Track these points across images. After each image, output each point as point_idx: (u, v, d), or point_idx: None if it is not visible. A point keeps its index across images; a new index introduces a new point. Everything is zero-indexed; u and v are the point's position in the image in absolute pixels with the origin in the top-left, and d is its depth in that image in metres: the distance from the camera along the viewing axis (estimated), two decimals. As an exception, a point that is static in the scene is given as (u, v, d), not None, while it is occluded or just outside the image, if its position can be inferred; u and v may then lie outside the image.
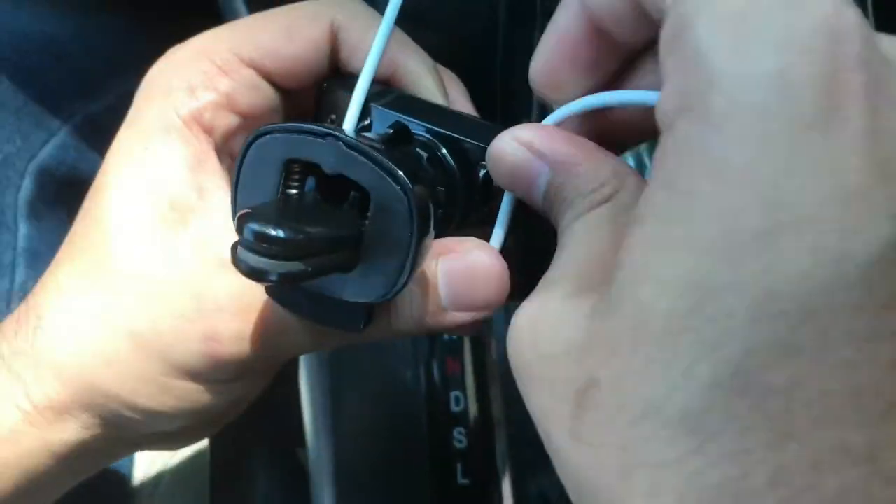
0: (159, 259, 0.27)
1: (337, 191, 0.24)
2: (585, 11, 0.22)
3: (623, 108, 0.24)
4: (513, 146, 0.23)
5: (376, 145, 0.23)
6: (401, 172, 0.22)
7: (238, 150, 0.27)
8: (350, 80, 0.28)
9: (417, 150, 0.27)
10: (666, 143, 0.18)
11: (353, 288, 0.24)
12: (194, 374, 0.27)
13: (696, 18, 0.18)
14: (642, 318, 0.18)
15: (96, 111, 0.48)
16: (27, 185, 0.41)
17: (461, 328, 0.27)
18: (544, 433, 0.20)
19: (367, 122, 0.28)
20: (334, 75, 0.30)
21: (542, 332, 0.21)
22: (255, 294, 0.27)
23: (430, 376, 0.42)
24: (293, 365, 0.42)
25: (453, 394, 0.41)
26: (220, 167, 0.29)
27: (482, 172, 0.27)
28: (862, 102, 0.17)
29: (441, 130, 0.27)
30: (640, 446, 0.17)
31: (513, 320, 0.22)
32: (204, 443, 0.52)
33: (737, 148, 0.16)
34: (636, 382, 0.18)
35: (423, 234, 0.23)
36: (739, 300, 0.16)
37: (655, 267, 0.18)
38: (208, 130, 0.29)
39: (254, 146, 0.24)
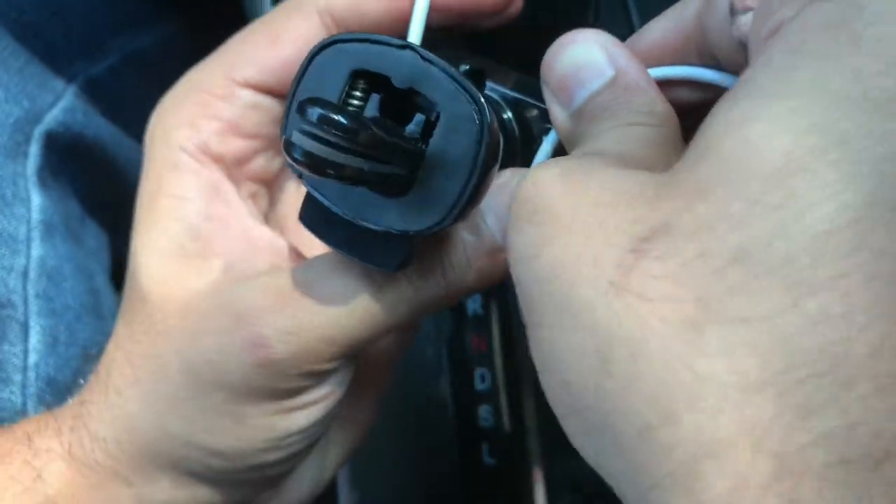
0: (188, 289, 0.27)
1: (402, 113, 0.22)
2: (698, 25, 0.22)
3: (704, 85, 0.23)
4: (588, 38, 0.22)
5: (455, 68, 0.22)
6: (477, 92, 0.21)
7: (259, 171, 0.28)
8: None
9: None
10: (786, 28, 0.17)
11: (399, 216, 0.22)
12: (257, 393, 0.26)
13: None
14: (749, 157, 0.16)
15: (99, 72, 0.46)
16: (34, 153, 0.39)
17: None
18: (566, 286, 0.17)
19: None
20: None
21: (586, 182, 0.18)
22: (290, 286, 0.25)
23: (454, 354, 0.41)
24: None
25: (479, 371, 0.40)
26: (237, 193, 0.29)
27: (544, 144, 0.25)
28: None
29: (511, 93, 0.26)
30: (720, 298, 0.15)
31: (526, 178, 0.20)
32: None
33: (882, 20, 0.16)
34: (731, 226, 0.16)
35: (488, 161, 0.21)
36: (869, 150, 0.15)
37: (771, 108, 0.16)
38: (218, 159, 0.28)
39: (319, 56, 0.22)
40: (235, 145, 0.28)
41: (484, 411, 0.40)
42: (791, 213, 0.15)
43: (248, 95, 0.28)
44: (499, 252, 0.25)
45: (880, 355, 0.15)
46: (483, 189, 0.22)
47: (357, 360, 0.28)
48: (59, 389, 0.36)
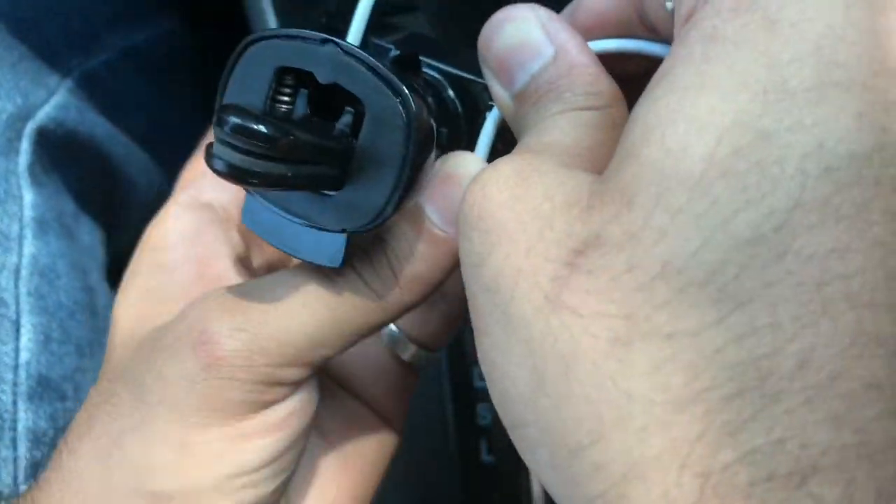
0: (153, 327, 0.25)
1: (330, 108, 0.21)
2: None
3: (644, 56, 0.22)
4: (526, 15, 0.21)
5: (379, 59, 0.21)
6: (400, 84, 0.20)
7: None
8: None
9: (425, 86, 0.25)
10: (701, 12, 0.17)
11: (336, 213, 0.22)
12: (205, 409, 0.23)
13: None
14: (671, 163, 0.15)
15: (95, 67, 0.45)
16: (25, 149, 0.38)
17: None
18: (506, 298, 0.17)
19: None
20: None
21: (530, 188, 0.18)
22: (241, 291, 0.24)
23: (453, 351, 0.40)
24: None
25: (477, 369, 0.39)
26: (222, 237, 0.28)
27: (487, 116, 0.24)
28: None
29: (450, 69, 0.25)
30: (647, 314, 0.15)
31: (474, 181, 0.19)
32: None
33: (795, 4, 0.16)
34: (656, 238, 0.15)
35: (419, 154, 0.21)
36: (791, 148, 0.15)
37: (691, 107, 0.16)
38: (208, 207, 0.28)
39: (245, 54, 0.22)
40: (227, 196, 0.28)
41: (483, 409, 0.39)
42: (715, 222, 0.15)
43: None
44: (444, 242, 0.23)
45: (808, 366, 0.14)
46: (417, 182, 0.21)
47: (316, 390, 0.25)
48: (50, 387, 0.36)
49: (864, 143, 0.15)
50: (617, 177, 0.16)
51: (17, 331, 0.35)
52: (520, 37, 0.21)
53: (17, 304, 0.35)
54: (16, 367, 0.35)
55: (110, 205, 0.45)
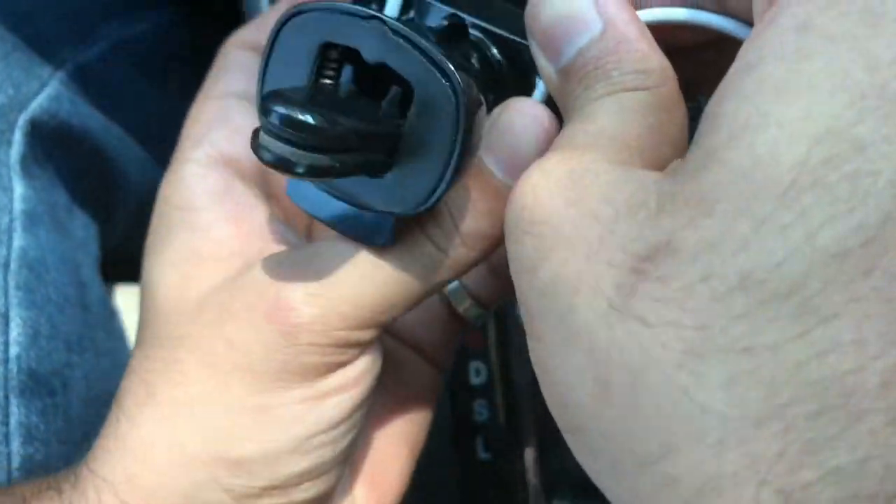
0: (206, 287, 0.25)
1: (376, 84, 0.21)
2: None
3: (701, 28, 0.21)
4: None
5: (426, 35, 0.21)
6: (451, 66, 0.20)
7: None
8: None
9: (469, 50, 0.24)
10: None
11: (384, 196, 0.21)
12: (283, 373, 0.24)
13: None
14: (758, 171, 0.15)
15: (89, 59, 0.45)
16: (18, 140, 0.38)
17: None
18: (565, 305, 0.17)
19: (410, 15, 0.25)
20: None
21: (586, 191, 0.17)
22: (310, 254, 0.24)
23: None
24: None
25: (473, 365, 0.39)
26: (250, 192, 0.28)
27: (539, 81, 0.23)
28: None
29: (496, 30, 0.24)
30: (724, 326, 0.15)
31: (523, 181, 0.19)
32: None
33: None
34: (737, 248, 0.15)
35: (469, 138, 0.20)
36: (887, 159, 0.14)
37: (782, 112, 0.15)
38: (229, 161, 0.27)
39: (286, 27, 0.21)
40: (241, 145, 0.28)
41: (479, 406, 0.39)
42: (801, 234, 0.14)
43: (243, 104, 0.28)
44: (507, 194, 0.23)
45: (892, 384, 0.14)
46: (467, 163, 0.21)
47: (382, 346, 0.26)
48: (40, 383, 0.35)
49: None
50: (696, 180, 0.16)
51: (7, 325, 0.34)
52: (568, 8, 0.20)
53: (6, 297, 0.35)
54: (6, 362, 0.34)
55: (104, 198, 0.45)
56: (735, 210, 0.15)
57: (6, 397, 0.34)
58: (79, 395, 0.37)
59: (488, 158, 0.23)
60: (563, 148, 0.19)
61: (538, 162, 0.19)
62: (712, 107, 0.16)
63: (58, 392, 0.36)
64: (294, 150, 0.18)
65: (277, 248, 0.26)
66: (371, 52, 0.20)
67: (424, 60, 0.20)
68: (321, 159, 0.19)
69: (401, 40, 0.20)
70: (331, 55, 0.21)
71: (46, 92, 0.40)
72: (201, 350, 0.24)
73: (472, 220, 0.23)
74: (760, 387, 0.14)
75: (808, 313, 0.14)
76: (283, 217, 0.29)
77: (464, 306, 0.29)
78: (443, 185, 0.20)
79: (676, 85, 0.20)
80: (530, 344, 0.18)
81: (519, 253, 0.18)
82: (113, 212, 0.46)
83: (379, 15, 0.20)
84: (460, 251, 0.23)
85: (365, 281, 0.23)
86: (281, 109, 0.18)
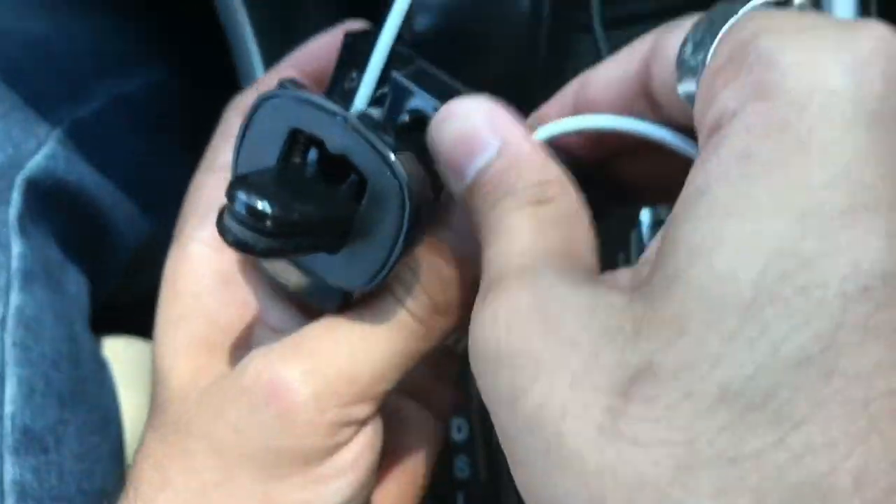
0: (214, 375, 0.26)
1: (339, 168, 0.23)
2: (644, 68, 0.22)
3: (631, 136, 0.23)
4: (470, 110, 0.22)
5: (386, 129, 0.23)
6: (401, 168, 0.22)
7: None
8: (372, 36, 0.27)
9: None
10: (731, 128, 0.18)
11: (335, 270, 0.23)
12: (284, 460, 0.25)
13: (760, 33, 0.18)
14: (721, 289, 0.16)
15: (84, 116, 0.46)
16: (15, 199, 0.39)
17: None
18: (552, 433, 0.17)
19: (384, 91, 0.27)
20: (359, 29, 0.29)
21: (558, 319, 0.18)
22: (304, 335, 0.25)
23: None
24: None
25: (455, 421, 0.40)
26: (253, 273, 0.28)
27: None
28: None
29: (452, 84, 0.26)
30: (710, 438, 0.16)
31: (487, 311, 0.19)
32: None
33: (824, 127, 0.17)
34: (712, 364, 0.16)
35: (415, 231, 0.22)
36: (832, 271, 0.16)
37: (734, 233, 0.16)
38: None
39: (261, 108, 0.23)
40: None
41: (461, 462, 0.40)
42: (767, 346, 0.15)
43: None
44: (464, 260, 0.25)
45: (864, 482, 0.15)
46: (413, 248, 0.23)
47: (381, 424, 0.27)
48: (34, 440, 0.36)
49: (894, 262, 0.16)
50: (664, 301, 0.17)
51: (3, 383, 0.35)
52: (466, 129, 0.22)
53: (3, 356, 0.35)
54: (1, 419, 0.35)
55: (96, 253, 0.45)
56: (705, 328, 0.16)
57: (1, 456, 0.34)
58: (71, 450, 0.37)
59: (446, 233, 0.25)
60: (508, 273, 0.20)
61: (496, 292, 0.20)
62: (669, 230, 0.18)
63: (51, 449, 0.36)
64: (253, 234, 0.20)
65: (277, 328, 0.28)
66: (334, 143, 0.22)
67: (379, 159, 0.22)
68: (280, 243, 0.21)
69: (360, 138, 0.22)
70: (299, 139, 0.23)
71: (44, 151, 0.41)
72: (209, 437, 0.25)
73: (442, 290, 0.25)
74: (748, 494, 0.15)
75: (783, 420, 0.15)
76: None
77: (456, 341, 0.30)
78: (385, 269, 0.22)
79: (575, 192, 0.22)
80: (513, 468, 0.19)
81: (496, 386, 0.19)
82: (104, 266, 0.46)
83: (342, 113, 0.22)
84: (437, 319, 0.25)
85: (355, 357, 0.25)
86: (243, 197, 0.20)
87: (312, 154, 0.23)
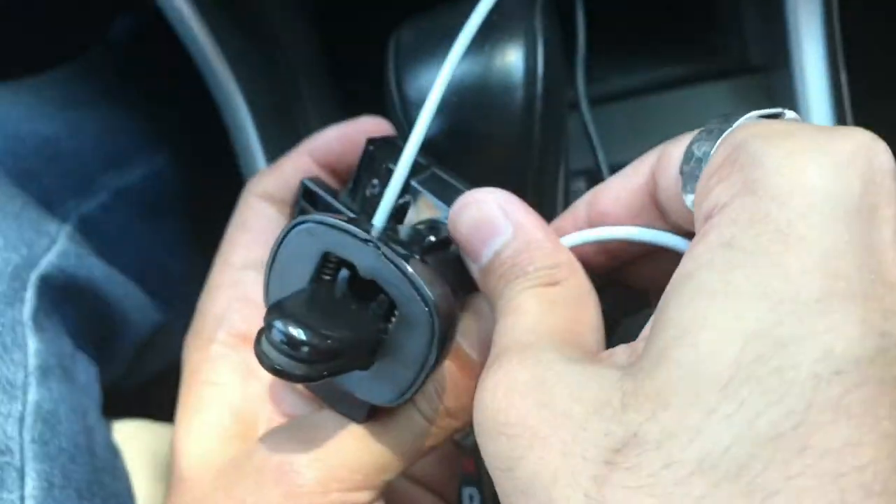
0: (227, 461, 0.28)
1: (368, 288, 0.24)
2: (651, 180, 0.24)
3: (643, 244, 0.25)
4: (486, 199, 0.24)
5: (412, 249, 0.24)
6: (431, 296, 0.23)
7: None
8: (393, 145, 0.29)
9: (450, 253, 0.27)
10: (719, 218, 0.19)
11: (364, 386, 0.24)
12: None
13: (750, 137, 0.20)
14: (702, 368, 0.17)
15: (91, 210, 0.47)
16: (30, 298, 0.40)
17: None
18: (540, 500, 0.18)
19: (406, 200, 0.29)
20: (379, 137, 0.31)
21: (553, 392, 0.20)
22: (313, 423, 0.27)
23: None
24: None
25: (467, 491, 0.40)
26: None
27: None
28: (893, 207, 0.18)
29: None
30: None
31: (489, 383, 0.21)
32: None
33: (803, 220, 0.18)
34: (692, 436, 0.17)
35: (441, 352, 0.23)
36: (804, 354, 0.17)
37: (716, 316, 0.17)
38: (247, 339, 0.30)
39: (294, 232, 0.24)
40: (258, 323, 0.30)
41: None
42: (743, 421, 0.17)
43: (258, 277, 0.31)
44: (479, 370, 0.26)
45: None
46: (439, 367, 0.24)
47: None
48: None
49: (867, 347, 0.17)
50: (651, 377, 0.18)
51: (22, 479, 0.35)
52: (481, 216, 0.24)
53: (22, 452, 0.36)
54: None
55: (106, 343, 0.46)
56: (687, 403, 0.17)
57: None
58: (90, 543, 0.38)
59: (464, 343, 0.26)
60: (512, 348, 0.22)
61: (499, 365, 0.21)
62: (659, 312, 0.19)
63: (70, 542, 0.37)
64: (289, 361, 0.21)
65: (289, 413, 0.29)
66: (364, 268, 0.23)
67: (409, 286, 0.23)
68: (313, 369, 0.22)
69: (390, 265, 0.23)
70: (330, 262, 0.24)
71: (56, 248, 0.42)
72: None
73: (456, 397, 0.26)
74: None
75: (756, 491, 0.16)
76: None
77: (458, 434, 0.31)
78: (413, 388, 0.23)
79: (584, 276, 0.23)
80: None
81: (496, 451, 0.20)
82: (114, 354, 0.47)
83: (373, 240, 0.23)
84: (447, 421, 0.26)
85: (361, 449, 0.26)
86: (280, 325, 0.21)
87: (343, 274, 0.24)
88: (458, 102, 0.30)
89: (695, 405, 0.17)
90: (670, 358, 0.18)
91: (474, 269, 0.25)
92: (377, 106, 0.34)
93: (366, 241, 0.23)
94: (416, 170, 0.28)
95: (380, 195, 0.28)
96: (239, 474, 0.27)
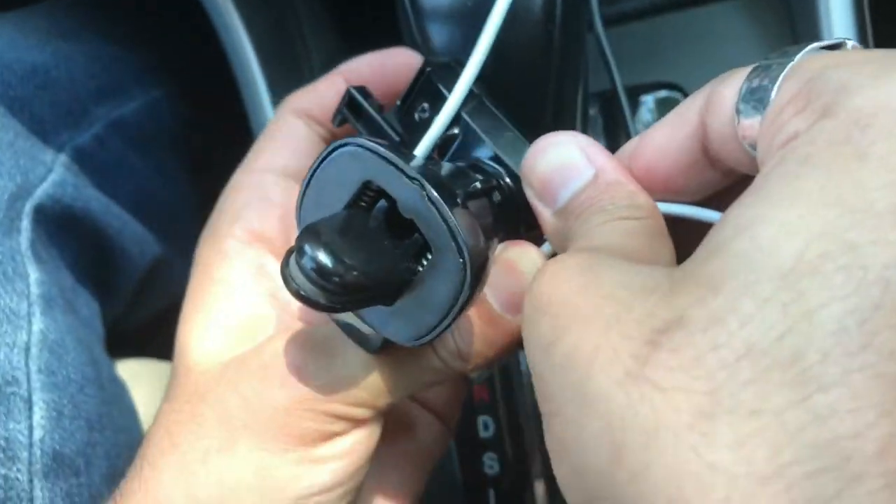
0: (234, 355, 0.28)
1: (404, 223, 0.23)
2: (700, 124, 0.23)
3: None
4: (567, 141, 0.24)
5: (457, 203, 0.22)
6: (469, 252, 0.22)
7: None
8: (450, 71, 0.28)
9: (489, 190, 0.27)
10: (796, 141, 0.18)
11: (383, 320, 0.24)
12: (286, 435, 0.26)
13: (829, 67, 0.19)
14: (760, 257, 0.17)
15: (85, 141, 0.46)
16: (26, 227, 0.39)
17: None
18: (582, 374, 0.18)
19: (453, 132, 0.28)
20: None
21: (601, 277, 0.19)
22: (325, 333, 0.26)
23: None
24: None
25: (482, 419, 0.40)
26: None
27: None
28: None
29: (512, 168, 0.27)
30: (732, 391, 0.16)
31: (546, 268, 0.20)
32: None
33: (885, 141, 0.17)
34: (742, 322, 0.16)
35: (466, 304, 0.22)
36: (875, 258, 0.16)
37: (784, 214, 0.17)
38: (261, 238, 0.30)
39: (337, 153, 0.23)
40: (275, 224, 0.30)
41: (489, 459, 0.40)
42: (801, 312, 0.16)
43: (280, 181, 0.30)
44: (502, 325, 0.26)
45: (888, 452, 0.15)
46: (464, 314, 0.23)
47: (381, 423, 0.28)
48: (64, 464, 0.35)
49: None
50: (703, 267, 0.17)
51: (30, 408, 0.35)
52: (562, 159, 0.23)
53: (29, 381, 0.35)
54: (30, 446, 0.34)
55: (105, 276, 0.45)
56: (740, 290, 0.16)
57: (31, 481, 0.34)
58: (101, 473, 0.37)
59: (490, 293, 0.25)
60: (572, 252, 0.21)
61: (555, 259, 0.21)
62: (721, 217, 0.18)
63: (81, 472, 0.36)
64: (316, 290, 0.20)
65: (299, 323, 0.29)
66: (405, 205, 0.22)
67: (447, 232, 0.22)
68: (337, 299, 0.21)
69: (433, 209, 0.22)
70: (369, 190, 0.23)
71: (52, 178, 0.41)
72: (219, 405, 0.27)
73: (472, 343, 0.26)
74: (765, 447, 0.15)
75: (809, 381, 0.16)
76: None
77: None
78: (433, 335, 0.23)
79: (662, 220, 0.23)
80: (546, 421, 0.19)
81: (535, 332, 0.19)
82: (114, 289, 0.46)
83: (422, 180, 0.22)
84: (457, 363, 0.26)
85: (369, 368, 0.26)
86: (311, 252, 0.20)
87: (381, 205, 0.23)
88: (476, 8, 0.29)
89: (748, 293, 0.16)
90: (727, 249, 0.17)
91: (546, 214, 0.24)
92: (378, 40, 0.33)
93: (412, 178, 0.22)
94: (466, 98, 0.27)
95: (429, 121, 0.27)
96: (245, 371, 0.27)
